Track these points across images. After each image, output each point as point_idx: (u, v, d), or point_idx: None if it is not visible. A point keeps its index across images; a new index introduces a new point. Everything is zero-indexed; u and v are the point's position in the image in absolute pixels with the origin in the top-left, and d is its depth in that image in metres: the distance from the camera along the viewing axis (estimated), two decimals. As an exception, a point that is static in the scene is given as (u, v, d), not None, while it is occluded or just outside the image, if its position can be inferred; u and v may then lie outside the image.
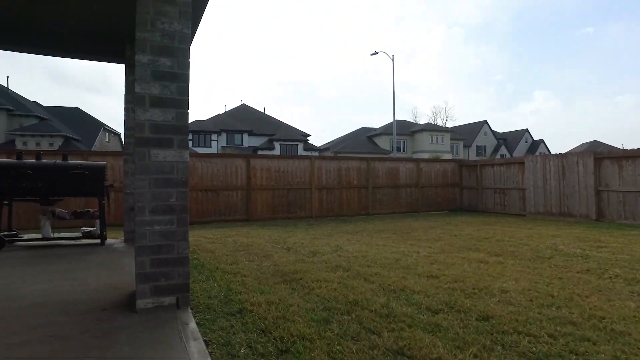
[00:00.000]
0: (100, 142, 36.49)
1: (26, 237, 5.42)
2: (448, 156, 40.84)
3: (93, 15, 5.14)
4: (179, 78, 2.98)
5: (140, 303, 2.86)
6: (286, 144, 38.68)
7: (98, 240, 5.69)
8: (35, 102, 36.96)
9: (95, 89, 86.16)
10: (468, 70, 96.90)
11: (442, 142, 45.37)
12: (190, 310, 2.98)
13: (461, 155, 47.95)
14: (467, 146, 50.24)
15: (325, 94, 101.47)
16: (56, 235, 5.58)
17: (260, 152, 34.73)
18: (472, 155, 48.25)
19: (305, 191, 11.78)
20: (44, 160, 5.48)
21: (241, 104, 45.52)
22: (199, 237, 7.00)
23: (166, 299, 2.94)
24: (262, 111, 45.60)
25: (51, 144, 30.79)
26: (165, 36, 2.96)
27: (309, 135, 42.06)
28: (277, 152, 37.25)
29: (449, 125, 57.88)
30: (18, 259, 4.53)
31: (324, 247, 6.22)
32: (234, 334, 2.69)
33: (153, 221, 2.88)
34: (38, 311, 2.81)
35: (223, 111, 44.13)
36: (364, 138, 45.40)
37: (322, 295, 3.61)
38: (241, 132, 39.30)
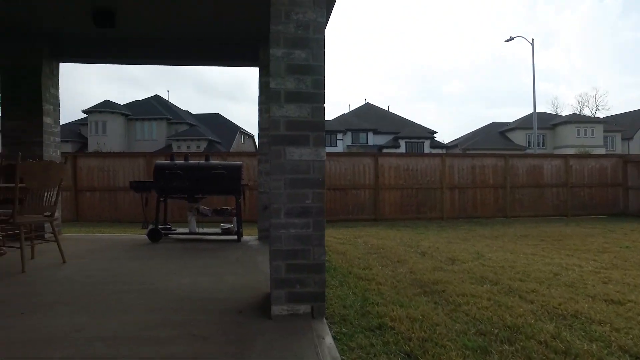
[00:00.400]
0: (237, 144, 40.26)
1: (177, 232, 5.96)
2: (601, 151, 34.90)
3: (228, 22, 5.38)
4: (314, 70, 2.77)
5: (275, 309, 2.72)
6: (411, 142, 37.57)
7: (235, 237, 5.96)
8: (187, 111, 42.51)
9: (233, 96, 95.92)
10: (624, 48, 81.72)
11: (593, 134, 38.99)
12: (325, 321, 2.75)
13: (618, 149, 40.59)
14: (627, 139, 42.34)
15: (451, 89, 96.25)
16: (200, 230, 6.03)
17: (385, 151, 34.31)
18: (635, 150, 40.37)
19: (436, 191, 11.02)
20: (191, 161, 5.95)
21: (365, 103, 45.74)
22: (328, 237, 6.90)
23: (301, 307, 2.76)
24: (387, 109, 45.10)
25: (198, 147, 35.01)
26: (300, 27, 2.77)
27: (436, 132, 40.19)
28: (402, 150, 36.42)
29: (600, 115, 49.47)
30: (170, 251, 4.94)
31: (462, 254, 5.57)
32: (375, 355, 2.36)
33: (288, 224, 2.71)
34: (181, 306, 2.88)
35: (347, 110, 44.87)
36: (496, 133, 41.60)
37: (472, 314, 3.07)
38: (366, 130, 39.42)
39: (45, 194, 4.04)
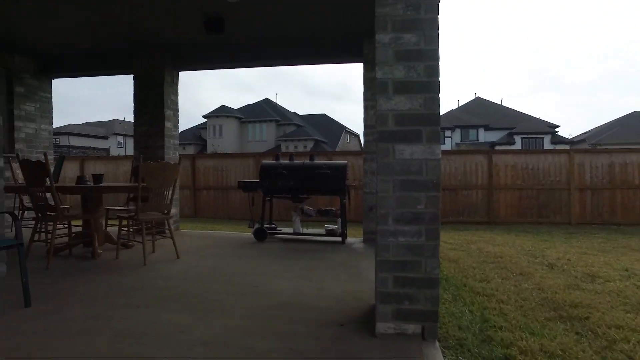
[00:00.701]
0: (342, 143, 40.71)
1: (282, 231, 6.01)
2: None
3: (332, 16, 5.22)
4: (427, 56, 2.40)
5: (380, 327, 2.42)
6: (528, 138, 33.98)
7: (339, 239, 5.80)
8: (295, 112, 44.32)
9: (338, 97, 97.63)
10: None
11: None
12: (438, 345, 2.37)
13: None
14: None
15: (574, 77, 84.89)
16: (304, 230, 5.99)
17: (497, 148, 31.55)
18: None
19: (561, 192, 9.61)
20: (295, 161, 5.94)
21: (475, 98, 42.72)
22: (436, 242, 6.40)
23: (409, 327, 2.42)
24: (499, 103, 41.53)
25: (305, 147, 36.22)
26: (409, 7, 2.42)
27: (557, 127, 35.75)
28: (517, 146, 33.12)
29: None
30: (274, 251, 4.95)
31: (603, 269, 4.62)
32: (504, 399, 1.92)
33: (397, 232, 2.39)
34: (281, 314, 2.75)
35: (456, 106, 42.37)
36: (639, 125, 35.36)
37: (636, 358, 2.39)
38: (476, 127, 36.79)
39: (165, 193, 4.31)
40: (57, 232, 4.05)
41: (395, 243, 2.40)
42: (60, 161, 6.19)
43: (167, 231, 4.63)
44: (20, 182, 5.13)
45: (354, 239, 6.09)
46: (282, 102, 48.15)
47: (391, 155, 2.40)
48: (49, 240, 4.11)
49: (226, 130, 38.28)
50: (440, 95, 2.36)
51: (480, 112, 38.91)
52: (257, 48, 6.20)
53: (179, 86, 6.64)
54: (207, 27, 5.22)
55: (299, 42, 6.07)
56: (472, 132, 36.86)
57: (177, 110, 6.63)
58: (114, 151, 38.60)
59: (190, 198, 11.45)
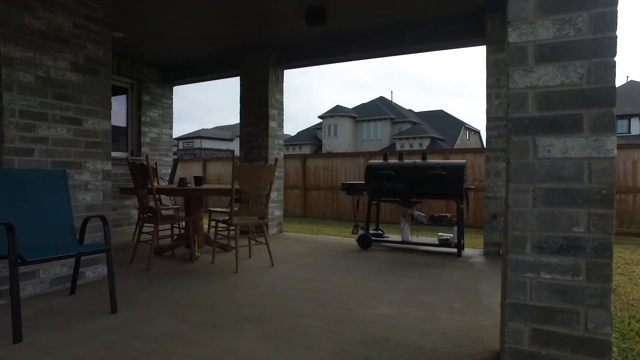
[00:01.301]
0: (461, 141, 37.96)
1: (388, 239, 5.39)
2: None
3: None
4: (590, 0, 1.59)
5: (514, 398, 1.69)
6: None
7: (454, 250, 4.97)
8: (410, 109, 42.81)
9: (455, 92, 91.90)
10: None
11: None
12: None
13: None
14: None
15: None
16: (414, 239, 5.28)
17: (659, 142, 25.78)
18: None
19: None
20: (405, 161, 5.27)
21: (627, 82, 35.91)
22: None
23: (560, 405, 1.64)
24: (662, 87, 34.18)
25: (420, 145, 34.63)
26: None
27: None
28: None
29: None
30: (377, 263, 4.37)
31: None
32: None
33: (538, 265, 1.64)
34: (373, 354, 2.17)
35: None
36: None
37: None
38: (628, 116, 30.88)
39: (260, 196, 4.06)
40: (164, 232, 4.11)
41: (536, 281, 1.65)
42: (175, 164, 6.54)
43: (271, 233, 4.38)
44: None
45: (473, 250, 5.17)
46: (397, 100, 46.88)
47: (531, 153, 1.65)
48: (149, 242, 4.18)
49: (341, 130, 38.67)
50: (616, 59, 1.53)
51: (634, 98, 32.48)
52: (363, 38, 5.68)
53: (284, 86, 6.48)
54: (308, 19, 4.88)
55: (411, 27, 5.37)
56: (623, 122, 30.97)
57: (281, 109, 6.47)
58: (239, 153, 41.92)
59: (300, 198, 11.49)
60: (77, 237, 3.04)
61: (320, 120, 40.66)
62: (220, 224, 4.26)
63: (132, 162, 4.07)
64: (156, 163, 5.94)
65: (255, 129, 6.27)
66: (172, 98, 7.65)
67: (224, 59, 6.65)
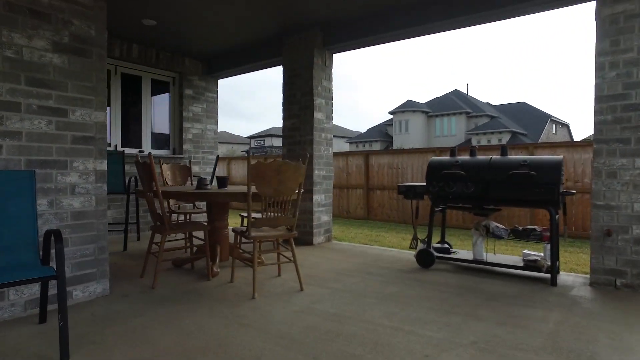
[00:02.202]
0: (547, 135, 34.16)
1: (456, 257, 4.26)
2: None
3: None
4: None
5: None
6: None
7: (546, 276, 3.73)
8: (488, 102, 39.57)
9: (538, 82, 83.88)
10: None
11: None
12: None
13: None
14: None
15: None
16: (490, 258, 4.10)
17: None
18: None
19: None
20: (479, 157, 4.11)
21: None
22: None
23: None
24: None
25: (500, 140, 31.70)
26: None
27: None
28: None
29: None
30: (438, 292, 3.31)
31: None
32: None
33: None
34: None
35: None
36: None
37: None
38: None
39: (284, 202, 3.23)
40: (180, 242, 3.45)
41: None
42: (215, 162, 5.95)
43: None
44: (168, 183, 4.91)
45: (572, 276, 3.87)
46: (473, 93, 43.69)
47: None
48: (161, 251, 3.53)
49: (412, 126, 36.82)
50: None
51: None
52: (424, 9, 4.57)
53: (332, 74, 5.59)
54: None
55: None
56: None
57: (330, 98, 5.59)
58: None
59: (363, 198, 10.56)
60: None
61: (391, 116, 39.10)
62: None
63: (137, 161, 3.46)
64: (190, 161, 5.39)
65: (298, 122, 5.46)
66: (216, 91, 7.12)
67: (267, 45, 5.93)
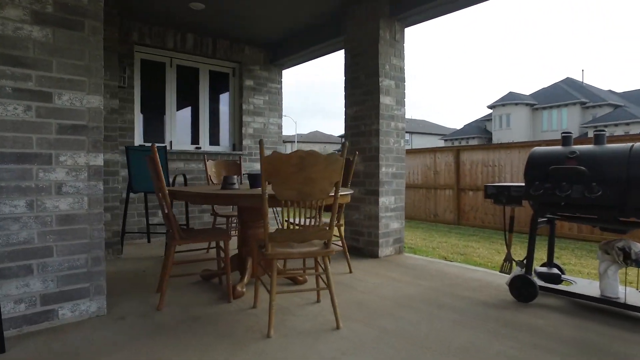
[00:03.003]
0: (695, 126, 28.04)
1: (571, 290, 2.98)
2: None
3: None
4: None
5: None
6: None
7: None
8: (609, 90, 34.01)
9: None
10: None
11: None
12: None
13: None
14: None
15: None
16: (630, 296, 2.76)
17: None
18: None
19: None
20: (608, 146, 2.81)
21: None
22: None
23: None
24: None
25: (626, 132, 26.86)
26: None
27: None
28: None
29: None
30: (541, 348, 2.17)
31: None
32: None
33: None
34: None
35: None
36: None
37: None
38: None
39: (314, 208, 2.38)
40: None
41: None
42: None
43: (320, 275, 2.69)
44: (214, 182, 4.38)
45: None
46: (590, 80, 38.04)
47: None
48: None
49: (514, 120, 33.15)
50: None
51: None
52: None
53: (406, 51, 4.58)
54: None
55: None
56: None
57: (402, 80, 4.59)
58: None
59: (453, 200, 9.26)
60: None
61: (490, 111, 35.71)
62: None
63: (147, 156, 2.89)
64: (240, 157, 4.81)
65: (362, 109, 4.55)
66: (280, 82, 6.52)
67: (328, 23, 5.13)
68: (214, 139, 6.03)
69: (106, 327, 2.42)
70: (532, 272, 3.04)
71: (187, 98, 5.79)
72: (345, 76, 4.74)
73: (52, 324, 2.42)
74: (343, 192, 2.79)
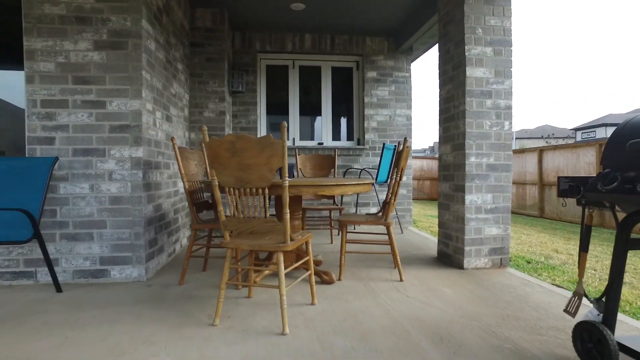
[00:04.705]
0: None
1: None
2: None
3: None
4: None
5: None
6: None
7: None
8: None
9: None
10: None
11: None
12: None
13: None
14: None
15: None
16: None
17: None
18: None
19: None
20: None
21: None
22: None
23: None
24: None
25: None
26: None
27: None
28: None
29: None
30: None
31: None
32: None
33: None
34: None
35: None
36: None
37: None
38: None
39: (258, 196, 2.24)
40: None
41: None
42: (392, 150, 5.03)
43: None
44: (304, 175, 4.53)
45: None
46: None
47: None
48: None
49: None
50: None
51: None
52: None
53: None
54: None
55: None
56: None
57: (505, 44, 3.58)
58: None
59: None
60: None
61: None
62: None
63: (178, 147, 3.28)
64: (335, 151, 4.78)
65: (451, 87, 3.80)
66: (409, 70, 6.04)
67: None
68: (336, 134, 6.14)
69: (132, 289, 2.95)
70: (613, 319, 1.92)
71: (310, 95, 6.10)
72: (438, 52, 4.06)
73: (107, 280, 3.13)
74: (343, 182, 2.48)
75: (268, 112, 6.02)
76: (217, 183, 2.30)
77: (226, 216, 2.38)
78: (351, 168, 5.87)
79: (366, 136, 5.98)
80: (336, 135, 6.18)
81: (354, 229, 5.44)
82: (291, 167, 3.44)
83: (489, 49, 3.57)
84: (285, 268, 3.06)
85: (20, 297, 2.77)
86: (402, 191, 6.04)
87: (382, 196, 6.00)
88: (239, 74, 5.44)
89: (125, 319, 2.38)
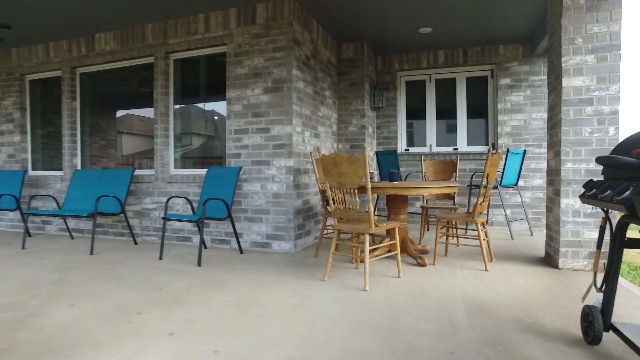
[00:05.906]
0: None
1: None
2: None
3: None
4: None
5: None
6: None
7: None
8: None
9: None
10: None
11: None
12: None
13: None
14: None
15: None
16: None
17: None
18: None
19: None
20: None
21: None
22: None
23: None
24: None
25: None
26: None
27: None
28: None
29: None
30: None
31: None
32: None
33: None
34: None
35: None
36: None
37: None
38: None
39: (348, 192, 3.27)
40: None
41: None
42: (520, 155, 5.35)
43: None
44: (429, 179, 5.28)
45: None
46: None
47: None
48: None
49: None
50: None
51: None
52: None
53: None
54: None
55: None
56: None
57: (611, 49, 3.62)
58: None
59: None
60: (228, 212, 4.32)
61: None
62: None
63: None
64: (457, 157, 5.35)
65: (554, 96, 4.01)
66: (546, 73, 5.96)
67: None
68: (471, 140, 6.51)
69: (286, 257, 4.35)
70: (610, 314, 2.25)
71: (446, 105, 6.65)
72: (547, 62, 4.26)
73: (269, 250, 4.63)
74: (421, 185, 3.33)
75: (407, 123, 6.88)
76: (328, 185, 3.43)
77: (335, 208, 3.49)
78: (478, 171, 6.23)
79: (499, 141, 6.23)
80: (471, 141, 6.58)
81: (466, 226, 5.83)
82: (397, 173, 4.26)
83: (589, 57, 3.70)
84: (379, 249, 3.99)
85: (221, 253, 4.48)
86: (539, 194, 6.06)
87: (517, 199, 6.15)
88: (379, 92, 6.49)
89: (273, 270, 3.75)
